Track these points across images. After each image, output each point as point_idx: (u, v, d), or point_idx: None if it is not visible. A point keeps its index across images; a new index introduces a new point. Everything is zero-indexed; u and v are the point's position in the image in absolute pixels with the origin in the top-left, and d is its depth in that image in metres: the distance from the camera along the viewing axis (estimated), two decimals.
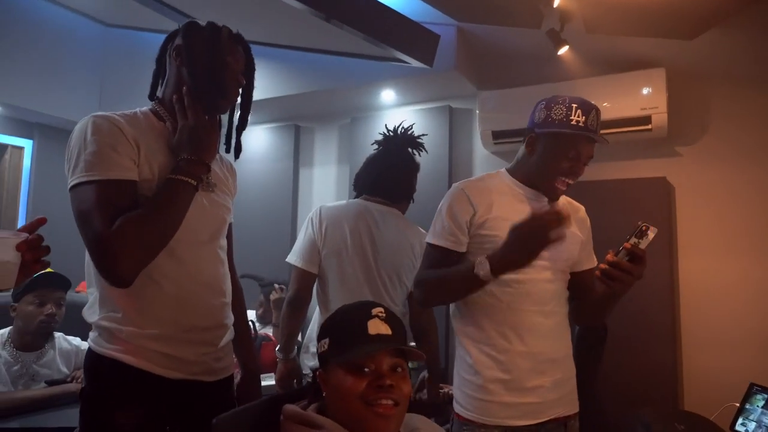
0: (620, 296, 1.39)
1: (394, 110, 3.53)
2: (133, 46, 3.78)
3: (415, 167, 2.10)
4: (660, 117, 2.62)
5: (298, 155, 3.88)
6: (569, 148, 1.42)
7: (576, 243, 1.52)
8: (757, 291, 2.55)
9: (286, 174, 3.84)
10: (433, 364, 2.00)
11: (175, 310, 1.24)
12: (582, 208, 1.63)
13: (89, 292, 1.28)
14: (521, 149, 1.53)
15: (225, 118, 1.44)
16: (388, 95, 3.41)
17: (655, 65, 2.66)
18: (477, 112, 3.11)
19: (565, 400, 1.46)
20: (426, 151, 2.18)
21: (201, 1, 2.69)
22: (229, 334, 1.40)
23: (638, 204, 2.72)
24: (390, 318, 1.04)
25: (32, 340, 2.07)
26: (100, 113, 1.22)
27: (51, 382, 1.99)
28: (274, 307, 3.03)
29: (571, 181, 1.46)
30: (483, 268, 1.27)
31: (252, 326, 2.70)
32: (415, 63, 2.78)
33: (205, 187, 1.33)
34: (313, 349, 2.00)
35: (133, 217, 1.12)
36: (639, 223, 1.28)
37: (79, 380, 1.97)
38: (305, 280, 1.92)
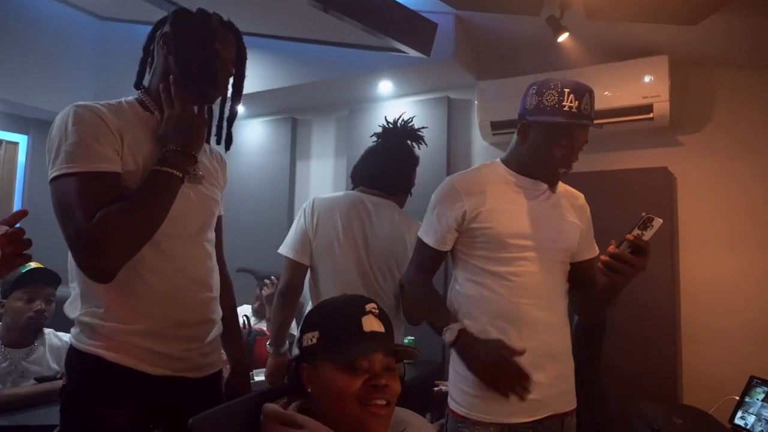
0: (622, 288, 1.34)
1: (392, 101, 3.49)
2: (129, 39, 3.72)
3: (415, 160, 2.06)
4: (662, 105, 2.58)
5: (295, 148, 3.85)
6: (562, 137, 1.37)
7: (574, 232, 1.48)
8: (759, 284, 2.51)
9: (282, 167, 3.81)
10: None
11: (160, 305, 1.20)
12: (581, 195, 1.58)
13: (71, 287, 1.24)
14: (514, 137, 1.49)
15: (217, 109, 1.40)
16: (385, 86, 3.37)
17: (657, 53, 2.61)
18: (475, 102, 3.06)
19: (563, 396, 1.42)
20: (426, 144, 2.14)
21: None
22: (217, 330, 1.36)
23: (639, 195, 2.68)
24: (382, 314, 1.03)
25: (21, 336, 2.04)
26: (82, 102, 1.18)
27: (41, 379, 1.96)
28: (266, 302, 3.00)
29: (566, 169, 1.42)
30: (449, 336, 1.34)
31: (246, 321, 2.69)
32: (412, 53, 2.73)
33: (192, 179, 1.29)
34: None
35: (116, 209, 1.08)
36: (643, 214, 1.24)
37: None
38: (296, 272, 1.89)
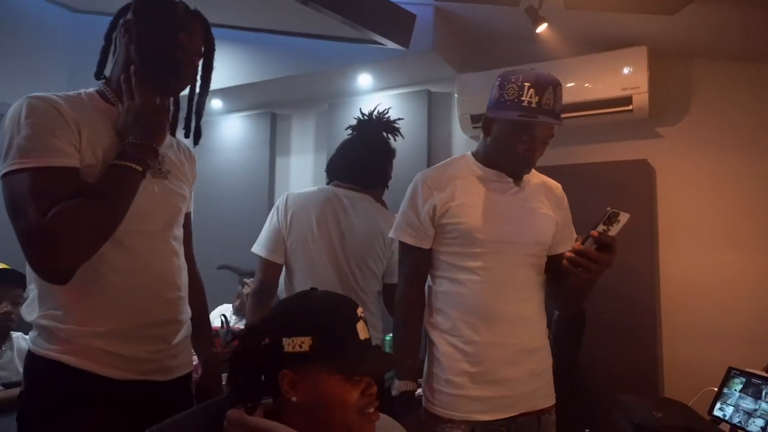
0: (592, 284, 1.32)
1: (373, 95, 3.44)
2: (103, 32, 3.63)
3: (391, 153, 2.03)
4: (641, 97, 2.56)
5: (274, 143, 3.79)
6: (522, 132, 1.35)
7: (548, 225, 1.45)
8: (738, 276, 2.51)
9: (262, 163, 3.75)
10: None
11: (122, 305, 1.16)
12: (558, 186, 1.56)
13: (29, 289, 1.19)
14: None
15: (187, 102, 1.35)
16: (365, 80, 3.33)
17: (636, 44, 2.59)
18: (456, 95, 3.03)
19: (539, 392, 1.40)
20: (402, 137, 2.10)
21: None
22: (185, 330, 1.32)
23: (619, 187, 2.67)
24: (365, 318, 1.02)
25: None
26: (36, 94, 1.13)
27: (8, 385, 1.89)
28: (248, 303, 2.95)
29: (529, 164, 1.40)
30: (394, 392, 1.37)
31: (224, 320, 2.63)
32: (391, 44, 2.69)
33: (156, 173, 1.25)
34: None
35: (71, 205, 1.03)
36: (608, 209, 1.21)
37: None
38: (270, 271, 1.85)
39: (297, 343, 0.93)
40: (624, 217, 1.20)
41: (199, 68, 1.30)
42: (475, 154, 1.49)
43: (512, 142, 1.36)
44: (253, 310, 1.87)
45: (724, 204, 2.58)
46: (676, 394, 2.26)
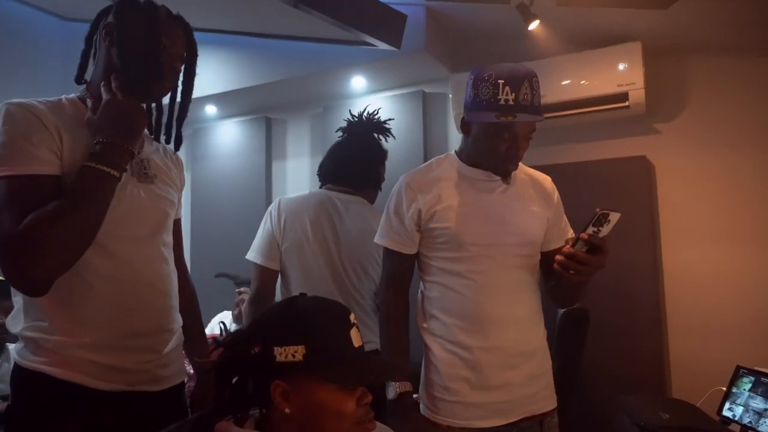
0: (584, 284, 1.29)
1: (367, 97, 3.42)
2: None
3: (382, 153, 2.01)
4: (637, 93, 2.55)
5: (270, 148, 3.78)
6: (502, 131, 1.31)
7: (538, 223, 1.41)
8: (743, 272, 2.49)
9: (258, 168, 3.73)
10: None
11: (109, 314, 1.13)
12: (547, 178, 1.51)
13: (14, 301, 1.17)
14: None
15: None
16: (359, 82, 3.31)
17: (630, 39, 2.58)
18: (450, 95, 3.01)
19: (540, 395, 1.36)
20: (393, 137, 2.08)
21: None
22: (177, 339, 1.29)
23: (619, 185, 2.64)
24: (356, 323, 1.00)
25: None
26: (15, 100, 1.10)
27: (6, 398, 1.87)
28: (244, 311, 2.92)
29: (514, 161, 1.36)
30: (391, 394, 1.32)
31: (223, 328, 2.60)
32: (383, 45, 2.67)
33: (142, 178, 1.22)
34: None
35: (44, 212, 0.99)
36: (597, 210, 1.17)
37: None
38: (266, 277, 1.82)
39: (290, 353, 0.89)
40: (615, 217, 1.17)
41: (181, 74, 1.27)
42: (458, 154, 1.46)
43: (494, 142, 1.33)
44: (251, 319, 1.84)
45: (725, 198, 2.56)
46: (684, 394, 2.24)
